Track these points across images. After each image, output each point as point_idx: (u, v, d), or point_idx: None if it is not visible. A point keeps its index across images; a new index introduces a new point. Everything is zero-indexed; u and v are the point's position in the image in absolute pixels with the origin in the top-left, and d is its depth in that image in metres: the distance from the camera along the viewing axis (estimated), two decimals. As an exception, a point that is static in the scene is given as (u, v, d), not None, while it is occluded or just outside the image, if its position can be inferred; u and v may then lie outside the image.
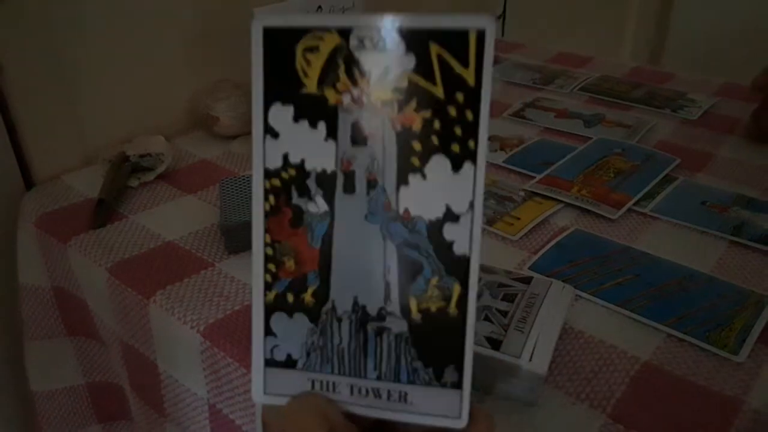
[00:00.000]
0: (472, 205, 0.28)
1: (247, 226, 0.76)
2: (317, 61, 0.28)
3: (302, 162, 0.29)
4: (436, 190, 0.28)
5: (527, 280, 0.67)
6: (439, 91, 0.28)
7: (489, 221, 0.85)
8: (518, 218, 0.86)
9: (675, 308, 0.70)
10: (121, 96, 1.03)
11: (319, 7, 0.96)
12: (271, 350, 0.31)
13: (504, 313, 0.62)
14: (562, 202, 0.90)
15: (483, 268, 0.69)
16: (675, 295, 0.72)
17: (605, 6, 2.00)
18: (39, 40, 0.90)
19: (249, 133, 1.06)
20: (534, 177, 0.96)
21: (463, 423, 0.30)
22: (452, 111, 0.28)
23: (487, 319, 0.62)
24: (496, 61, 1.44)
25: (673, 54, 2.05)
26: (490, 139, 1.07)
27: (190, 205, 0.90)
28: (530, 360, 0.57)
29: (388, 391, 0.30)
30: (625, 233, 0.84)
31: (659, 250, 0.80)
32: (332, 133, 0.29)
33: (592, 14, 2.01)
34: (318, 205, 0.30)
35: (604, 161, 1.00)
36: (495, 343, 0.59)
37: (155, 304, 0.72)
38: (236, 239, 0.79)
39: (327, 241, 0.30)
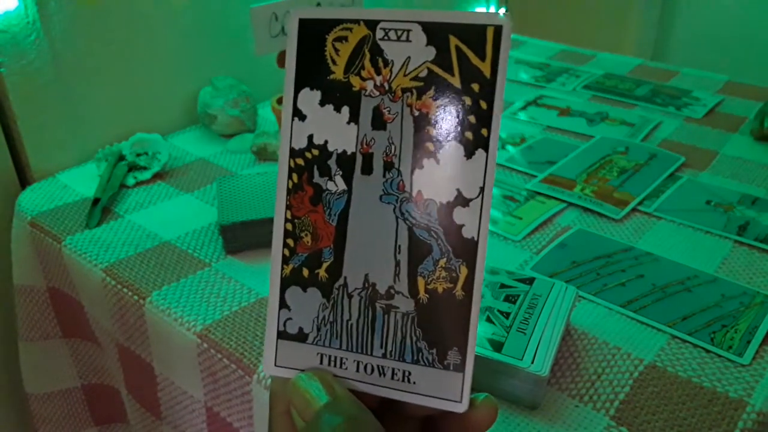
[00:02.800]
0: (482, 191, 0.30)
1: (245, 226, 0.77)
2: (345, 50, 0.31)
3: (325, 143, 0.31)
4: (449, 175, 0.30)
5: (530, 281, 0.66)
6: (456, 81, 0.30)
7: (491, 221, 0.84)
8: (520, 218, 0.85)
9: (679, 309, 0.69)
10: (118, 94, 1.02)
11: (318, 3, 0.95)
12: (285, 323, 0.32)
13: (506, 315, 0.61)
14: (564, 201, 0.89)
15: (484, 269, 0.68)
16: (679, 296, 0.71)
17: (608, 2, 1.99)
18: (36, 38, 0.90)
19: (247, 131, 1.06)
20: (536, 176, 0.95)
21: (463, 407, 0.30)
22: (468, 100, 0.30)
23: (489, 320, 0.61)
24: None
25: (678, 51, 2.04)
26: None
27: (187, 205, 0.89)
28: (532, 362, 0.57)
29: (393, 370, 0.31)
30: (628, 233, 0.83)
31: (663, 250, 0.79)
32: (354, 117, 0.31)
33: (595, 11, 2.00)
34: (337, 184, 0.31)
35: (607, 160, 0.99)
36: (497, 345, 0.58)
37: (151, 305, 0.71)
38: (234, 239, 0.78)
39: (343, 218, 0.31)
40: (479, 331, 0.59)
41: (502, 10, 1.78)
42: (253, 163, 1.00)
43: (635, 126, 1.11)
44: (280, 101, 1.05)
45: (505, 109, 1.18)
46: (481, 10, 1.73)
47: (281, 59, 0.99)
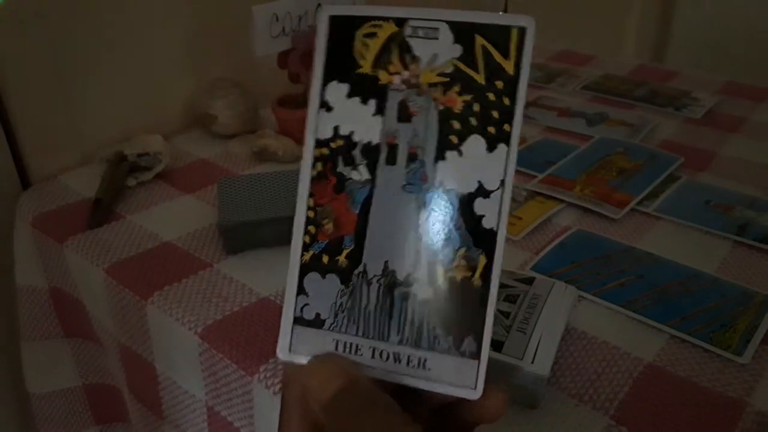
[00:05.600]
0: (503, 183, 0.31)
1: (246, 227, 0.77)
2: (374, 46, 0.32)
3: (351, 134, 0.32)
4: (471, 167, 0.31)
5: (529, 281, 0.66)
6: (481, 78, 0.31)
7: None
8: (520, 218, 0.85)
9: (679, 309, 0.69)
10: (119, 95, 1.03)
11: (319, 3, 0.95)
12: (302, 309, 0.33)
13: (506, 314, 0.62)
14: (564, 201, 0.89)
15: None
16: (679, 296, 0.71)
17: (608, 3, 1.99)
18: (36, 38, 0.90)
19: (248, 131, 1.06)
20: (536, 176, 0.95)
21: (477, 394, 0.31)
22: (491, 96, 0.31)
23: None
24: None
25: (677, 52, 2.04)
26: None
27: (188, 205, 0.89)
28: (532, 361, 0.57)
29: (408, 357, 0.31)
30: (628, 233, 0.83)
31: (662, 250, 0.79)
32: (381, 109, 0.32)
33: (595, 11, 2.00)
34: (361, 174, 0.32)
35: (606, 160, 0.99)
36: (497, 345, 0.58)
37: (153, 305, 0.72)
38: (234, 239, 0.78)
39: (366, 206, 0.32)
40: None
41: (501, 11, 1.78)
42: (253, 163, 1.00)
43: (634, 126, 1.11)
44: (280, 102, 1.05)
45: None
46: (481, 10, 1.73)
47: (282, 60, 0.99)
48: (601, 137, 1.06)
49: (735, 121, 1.14)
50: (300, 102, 1.03)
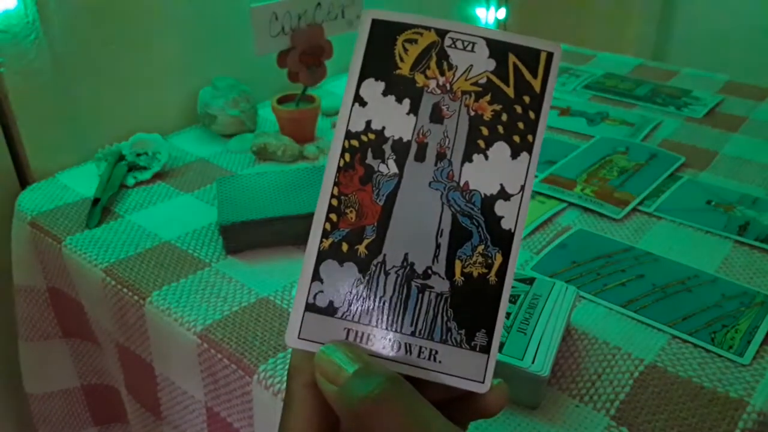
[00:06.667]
0: (522, 188, 0.33)
1: (245, 226, 0.77)
2: (414, 51, 0.34)
3: (383, 129, 0.34)
4: (495, 171, 0.33)
5: (530, 281, 0.66)
6: (510, 92, 0.34)
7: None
8: (520, 217, 0.85)
9: (680, 309, 0.69)
10: (117, 94, 1.02)
11: (318, 3, 0.95)
12: (315, 295, 0.33)
13: (506, 315, 0.61)
14: (565, 201, 0.89)
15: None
16: (680, 296, 0.71)
17: (608, 3, 1.99)
18: (36, 38, 0.90)
19: (246, 131, 1.06)
20: (537, 176, 0.95)
21: (485, 388, 0.32)
22: (518, 109, 0.33)
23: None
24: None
25: (678, 51, 2.03)
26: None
27: (187, 205, 0.89)
28: (533, 362, 0.57)
29: (420, 348, 0.32)
30: (629, 233, 0.83)
31: (663, 250, 0.79)
32: (414, 109, 0.34)
33: (595, 11, 2.00)
34: (389, 167, 0.33)
35: (607, 160, 0.99)
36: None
37: (151, 305, 0.71)
38: (234, 239, 0.78)
39: (391, 199, 0.33)
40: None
41: (502, 11, 1.78)
42: (253, 163, 1.00)
43: (635, 126, 1.11)
44: (280, 101, 1.05)
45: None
46: (481, 10, 1.73)
47: (282, 59, 0.99)
48: (602, 137, 1.06)
49: (736, 121, 1.13)
50: (299, 101, 1.03)
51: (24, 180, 0.95)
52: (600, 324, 0.68)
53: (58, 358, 0.92)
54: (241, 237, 0.78)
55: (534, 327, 0.60)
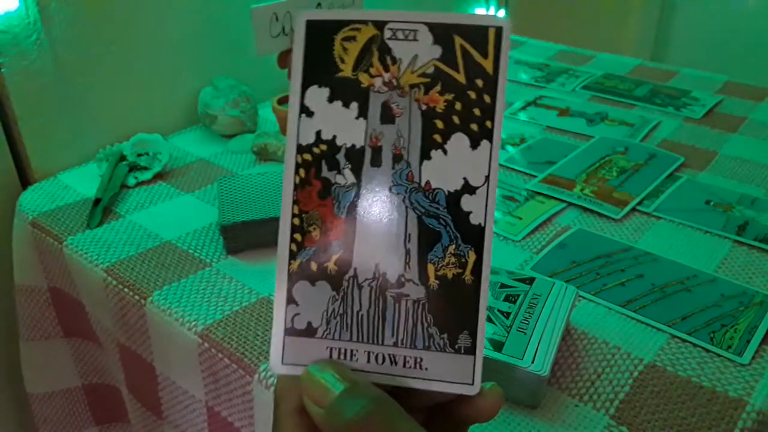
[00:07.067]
0: (487, 179, 0.31)
1: (246, 226, 0.77)
2: (353, 49, 0.32)
3: (333, 138, 0.32)
4: (456, 165, 0.31)
5: (530, 281, 0.66)
6: (461, 78, 0.31)
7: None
8: (520, 218, 0.85)
9: (679, 308, 0.69)
10: (118, 94, 1.03)
11: (319, 3, 0.95)
12: (292, 319, 0.32)
13: (506, 314, 0.61)
14: (564, 201, 0.89)
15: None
16: (679, 296, 0.71)
17: (608, 3, 1.99)
18: (37, 39, 0.90)
19: (247, 131, 1.06)
20: (536, 176, 0.95)
21: (475, 389, 0.31)
22: (472, 95, 0.31)
23: (489, 320, 0.61)
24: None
25: (677, 52, 2.04)
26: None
27: (187, 205, 0.89)
28: (533, 361, 0.57)
29: (404, 358, 0.31)
30: (628, 233, 0.83)
31: (663, 250, 0.79)
32: (363, 112, 0.32)
33: (594, 11, 2.00)
34: (346, 177, 0.32)
35: (607, 160, 0.99)
36: (497, 345, 0.58)
37: (152, 304, 0.72)
38: (235, 239, 0.78)
39: (352, 210, 0.32)
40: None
41: (501, 12, 1.78)
42: (253, 163, 1.00)
43: (635, 126, 1.11)
44: (280, 102, 1.05)
45: (505, 109, 1.18)
46: (481, 10, 1.73)
47: (282, 60, 0.99)
48: (602, 137, 1.06)
49: (735, 121, 1.14)
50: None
51: (25, 180, 0.96)
52: (599, 324, 0.68)
53: (59, 357, 0.93)
54: (242, 237, 0.78)
55: (534, 327, 0.60)
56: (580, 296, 0.72)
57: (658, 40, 2.06)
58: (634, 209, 0.88)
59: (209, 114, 1.05)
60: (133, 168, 0.95)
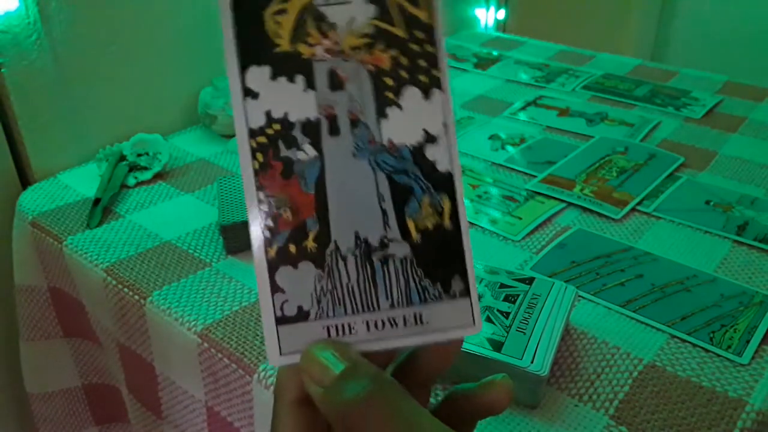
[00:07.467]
0: (445, 126, 0.32)
1: (246, 226, 0.76)
2: (287, 22, 0.31)
3: (285, 115, 0.31)
4: (413, 118, 0.32)
5: (529, 281, 0.66)
6: (400, 32, 0.32)
7: (491, 221, 0.84)
8: (520, 218, 0.85)
9: (678, 308, 0.69)
10: (118, 94, 1.03)
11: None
12: (281, 307, 0.31)
13: (506, 314, 0.61)
14: (564, 201, 0.89)
15: (485, 269, 0.68)
16: (678, 296, 0.71)
17: (608, 3, 1.99)
18: (37, 39, 0.90)
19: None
20: (536, 176, 0.95)
21: (478, 329, 0.31)
22: (415, 47, 0.32)
23: (488, 320, 0.61)
24: (498, 60, 1.43)
25: (677, 52, 2.04)
26: (491, 137, 1.07)
27: (187, 205, 0.89)
28: (532, 361, 0.57)
29: (404, 317, 0.31)
30: (628, 233, 0.83)
31: (662, 250, 0.79)
32: (310, 83, 0.31)
33: (594, 11, 2.00)
34: (307, 152, 0.31)
35: (606, 160, 0.99)
36: (497, 345, 0.58)
37: (152, 304, 0.72)
38: (235, 239, 0.78)
39: (320, 184, 0.31)
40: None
41: (501, 12, 1.78)
42: (253, 163, 1.00)
43: (634, 126, 1.11)
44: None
45: (505, 109, 1.19)
46: (481, 10, 1.73)
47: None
48: (601, 137, 1.06)
49: (735, 121, 1.14)
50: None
51: (25, 180, 0.96)
52: (599, 323, 0.68)
53: (59, 357, 0.93)
54: (242, 237, 0.78)
55: (533, 326, 0.60)
56: (579, 296, 0.72)
57: (658, 40, 2.07)
58: (633, 209, 0.88)
59: (209, 114, 1.05)
60: (133, 168, 0.95)
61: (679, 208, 0.87)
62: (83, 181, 0.94)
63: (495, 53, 1.46)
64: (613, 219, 0.85)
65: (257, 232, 0.32)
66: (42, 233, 0.85)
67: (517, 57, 1.44)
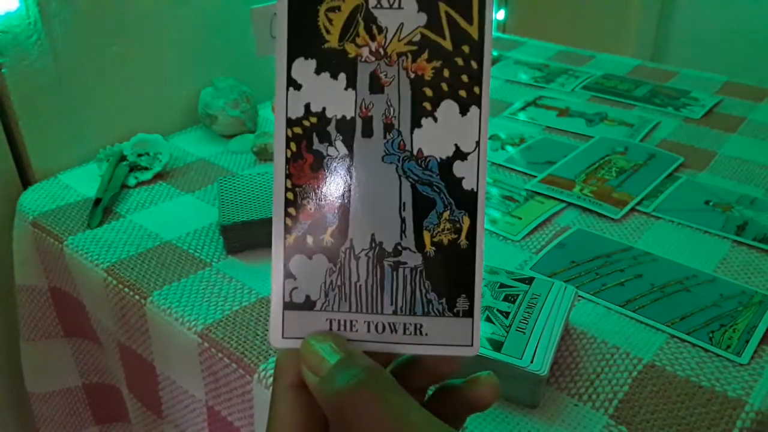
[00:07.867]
0: (478, 145, 0.32)
1: (246, 226, 0.77)
2: (338, 20, 0.32)
3: (323, 110, 0.32)
4: (446, 132, 0.32)
5: (529, 281, 0.66)
6: (447, 44, 0.32)
7: (491, 221, 0.84)
8: (520, 218, 0.85)
9: (678, 308, 0.70)
10: (119, 94, 1.03)
11: None
12: (291, 293, 0.32)
13: (505, 314, 0.62)
14: (564, 201, 0.89)
15: (485, 269, 0.68)
16: (678, 295, 0.71)
17: (608, 3, 1.99)
18: (37, 39, 0.90)
19: (247, 131, 1.06)
20: (536, 176, 0.95)
21: (475, 351, 0.32)
22: (459, 61, 0.32)
23: (488, 319, 0.61)
24: (498, 60, 1.43)
25: (677, 52, 2.04)
26: (491, 138, 1.07)
27: (187, 205, 0.89)
28: (532, 361, 0.57)
29: (404, 325, 0.32)
30: (627, 233, 0.83)
31: (662, 250, 0.79)
32: (352, 83, 0.32)
33: (594, 12, 2.00)
34: (338, 149, 0.32)
35: (606, 160, 0.99)
36: (496, 344, 0.58)
37: (152, 304, 0.72)
38: (235, 239, 0.78)
39: (346, 182, 0.32)
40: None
41: (501, 12, 1.78)
42: (253, 163, 1.00)
43: (634, 126, 1.11)
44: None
45: (505, 109, 1.19)
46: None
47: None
48: (601, 137, 1.07)
49: (734, 121, 1.14)
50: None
51: (26, 180, 0.96)
52: (599, 323, 0.68)
53: (60, 357, 0.93)
54: (242, 237, 0.78)
55: (533, 326, 0.60)
56: (579, 296, 0.72)
57: (658, 40, 2.07)
58: (633, 209, 0.88)
59: (209, 114, 1.05)
60: (134, 168, 0.95)
61: (679, 208, 0.87)
62: (84, 181, 0.94)
63: (495, 53, 1.46)
64: (612, 219, 0.86)
65: (279, 217, 0.32)
66: (42, 233, 0.85)
67: (516, 57, 1.44)
